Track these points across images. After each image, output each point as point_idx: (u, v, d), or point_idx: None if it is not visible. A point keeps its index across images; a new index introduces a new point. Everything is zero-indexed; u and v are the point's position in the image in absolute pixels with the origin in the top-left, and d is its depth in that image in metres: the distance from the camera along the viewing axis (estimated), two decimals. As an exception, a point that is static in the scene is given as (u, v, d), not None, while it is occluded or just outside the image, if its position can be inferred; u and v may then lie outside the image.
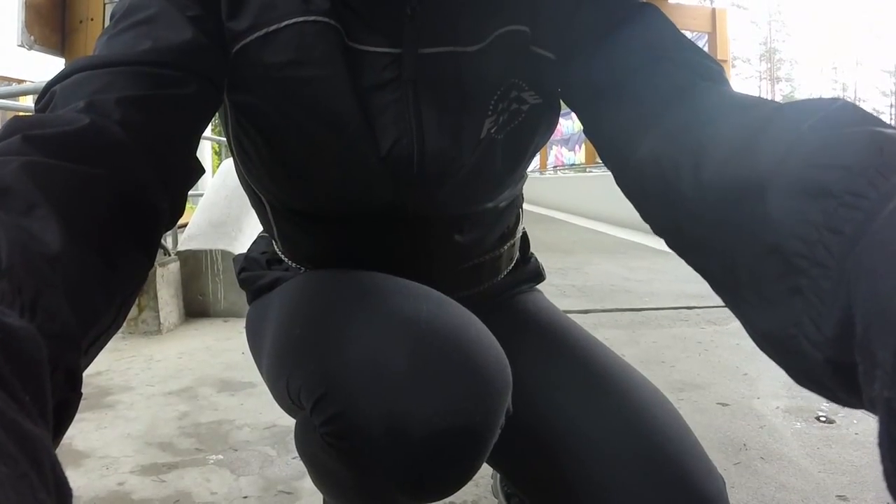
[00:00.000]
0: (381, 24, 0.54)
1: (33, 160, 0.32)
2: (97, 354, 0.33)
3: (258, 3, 0.53)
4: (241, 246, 2.35)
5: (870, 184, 0.23)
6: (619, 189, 0.51)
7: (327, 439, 0.48)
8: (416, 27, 0.54)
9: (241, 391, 1.58)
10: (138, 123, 0.40)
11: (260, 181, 0.63)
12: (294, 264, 0.69)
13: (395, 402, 0.46)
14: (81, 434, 1.31)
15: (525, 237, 0.79)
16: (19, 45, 2.81)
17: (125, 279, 0.36)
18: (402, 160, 0.55)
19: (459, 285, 0.67)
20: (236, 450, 1.24)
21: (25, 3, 2.76)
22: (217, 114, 0.57)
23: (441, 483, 0.49)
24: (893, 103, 38.50)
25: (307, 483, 1.09)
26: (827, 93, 41.39)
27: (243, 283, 0.74)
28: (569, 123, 15.73)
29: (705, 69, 0.46)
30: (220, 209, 2.52)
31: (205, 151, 5.50)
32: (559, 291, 2.85)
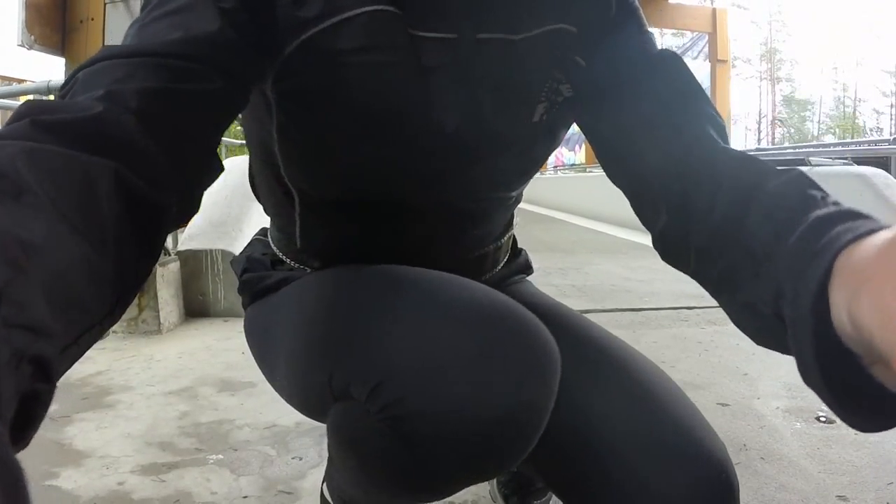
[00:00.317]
0: (439, 10, 0.56)
1: (34, 146, 0.32)
2: (90, 346, 0.33)
3: None
4: (242, 246, 2.34)
5: (797, 220, 0.37)
6: (619, 189, 0.53)
7: (388, 423, 0.49)
8: (475, 12, 0.56)
9: (242, 391, 1.58)
10: (155, 116, 0.40)
11: (303, 172, 0.64)
12: (298, 265, 0.70)
13: (461, 384, 0.48)
14: (81, 434, 1.31)
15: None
16: (19, 45, 2.81)
17: (122, 272, 0.35)
18: (462, 140, 0.59)
19: (463, 274, 0.67)
20: (236, 450, 1.24)
21: (26, 2, 2.76)
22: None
23: (502, 460, 0.51)
24: (893, 103, 38.53)
25: (307, 483, 1.10)
26: (827, 92, 41.47)
27: (246, 284, 0.74)
28: (569, 123, 15.70)
29: (714, 120, 0.53)
30: (220, 209, 2.52)
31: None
32: (559, 291, 2.86)
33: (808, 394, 0.38)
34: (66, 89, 0.42)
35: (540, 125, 0.62)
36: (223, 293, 2.39)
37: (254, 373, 1.68)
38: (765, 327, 0.41)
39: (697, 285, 0.50)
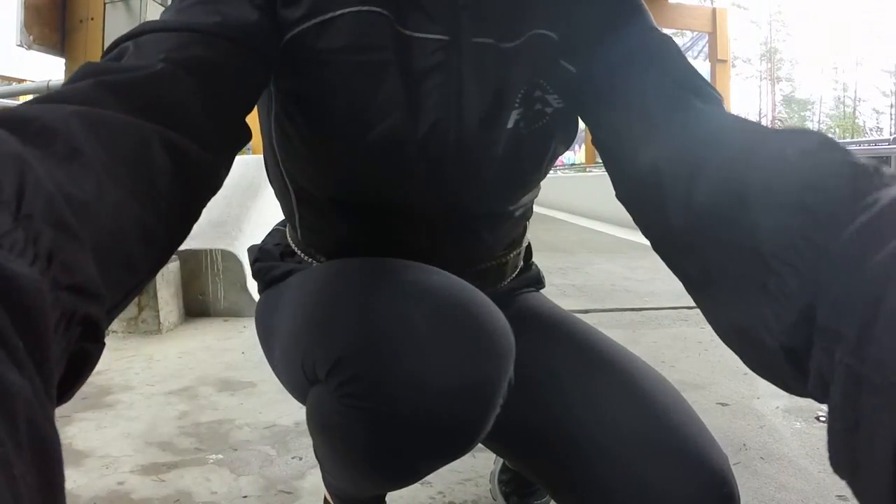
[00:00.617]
0: (433, 11, 0.56)
1: (90, 109, 0.32)
2: (130, 302, 0.34)
3: None
4: (241, 246, 2.35)
5: (843, 206, 0.27)
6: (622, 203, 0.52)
7: (345, 401, 0.50)
8: (470, 16, 0.57)
9: (241, 391, 1.58)
10: (209, 84, 0.43)
11: (297, 167, 0.65)
12: (307, 258, 0.71)
13: (411, 359, 0.49)
14: (81, 434, 1.31)
15: (528, 247, 0.81)
16: (18, 45, 2.80)
17: (171, 233, 0.36)
18: (439, 139, 0.58)
19: None
20: (236, 449, 1.24)
21: (25, 2, 2.76)
22: None
23: (455, 437, 0.51)
24: (893, 103, 38.52)
25: (307, 483, 1.10)
26: (827, 92, 41.46)
27: (256, 274, 0.76)
28: (569, 123, 15.68)
29: (710, 96, 0.50)
30: (220, 209, 2.52)
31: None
32: (559, 291, 2.86)
33: (808, 393, 0.33)
34: (113, 56, 0.43)
35: (518, 133, 0.60)
36: (223, 293, 2.39)
37: (253, 373, 1.69)
38: (762, 359, 0.32)
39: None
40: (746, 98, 39.93)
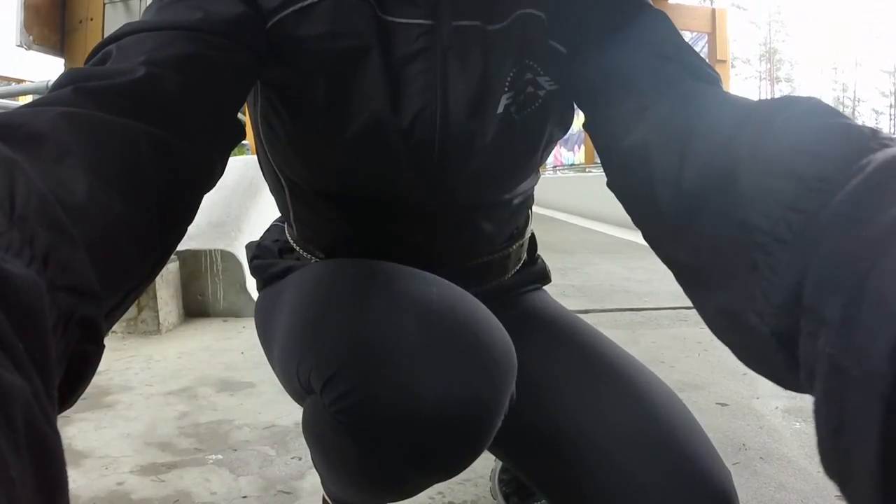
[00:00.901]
0: None
1: (75, 110, 0.32)
2: (131, 305, 0.34)
3: None
4: (241, 246, 2.35)
5: (836, 169, 0.25)
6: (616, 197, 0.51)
7: (338, 417, 0.49)
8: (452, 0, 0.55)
9: (241, 391, 1.58)
10: (193, 81, 0.42)
11: (285, 160, 0.64)
12: (306, 254, 0.70)
13: (404, 378, 0.47)
14: (81, 434, 1.31)
15: (533, 239, 0.79)
16: (18, 45, 2.81)
17: (164, 232, 0.36)
18: (425, 127, 0.56)
19: (466, 282, 0.67)
20: (236, 450, 1.24)
21: (24, 3, 2.76)
22: None
23: (449, 458, 0.49)
24: (893, 103, 38.51)
25: (307, 483, 1.10)
26: (827, 93, 41.44)
27: (255, 271, 0.75)
28: (568, 123, 15.69)
29: (702, 72, 0.48)
30: (219, 209, 2.52)
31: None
32: (559, 291, 2.85)
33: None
34: (97, 60, 0.43)
35: (509, 118, 0.58)
36: (222, 293, 2.39)
37: (253, 373, 1.68)
38: (753, 347, 0.30)
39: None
40: (746, 98, 39.82)
